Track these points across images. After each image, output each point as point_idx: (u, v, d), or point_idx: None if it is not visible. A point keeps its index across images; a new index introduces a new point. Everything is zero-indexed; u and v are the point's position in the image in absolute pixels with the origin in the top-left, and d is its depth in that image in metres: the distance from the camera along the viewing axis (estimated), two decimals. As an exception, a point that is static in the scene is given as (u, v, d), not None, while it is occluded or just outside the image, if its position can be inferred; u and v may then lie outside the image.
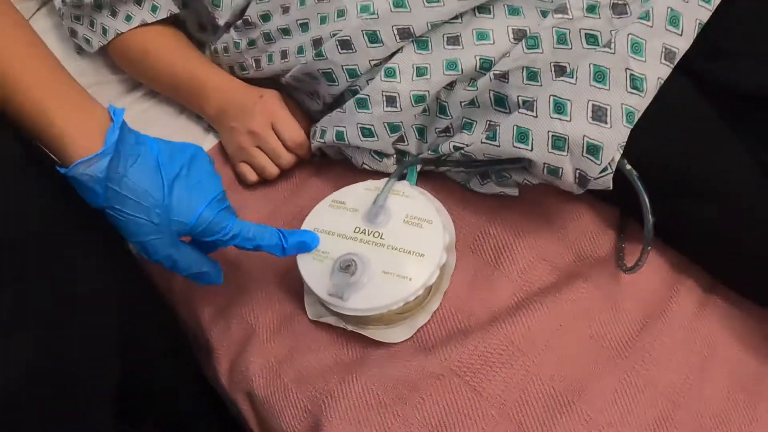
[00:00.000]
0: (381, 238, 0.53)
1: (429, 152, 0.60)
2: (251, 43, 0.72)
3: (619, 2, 0.51)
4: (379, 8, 0.57)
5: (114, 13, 0.78)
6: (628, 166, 0.49)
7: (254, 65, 0.73)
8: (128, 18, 0.78)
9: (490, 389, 0.49)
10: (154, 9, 0.77)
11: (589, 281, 0.52)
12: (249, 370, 0.56)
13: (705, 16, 0.51)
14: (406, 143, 0.61)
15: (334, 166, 0.67)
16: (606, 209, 0.57)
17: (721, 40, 0.53)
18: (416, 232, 0.52)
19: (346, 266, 0.50)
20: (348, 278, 0.50)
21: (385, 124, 0.58)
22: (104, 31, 0.79)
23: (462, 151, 0.55)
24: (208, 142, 0.77)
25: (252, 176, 0.70)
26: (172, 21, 0.80)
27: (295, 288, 0.59)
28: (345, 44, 0.59)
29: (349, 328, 0.54)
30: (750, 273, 0.52)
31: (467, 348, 0.50)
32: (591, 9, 0.51)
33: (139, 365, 0.58)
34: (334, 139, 0.62)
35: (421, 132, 0.60)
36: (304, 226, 0.56)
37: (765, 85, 0.51)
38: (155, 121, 0.82)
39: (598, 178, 0.49)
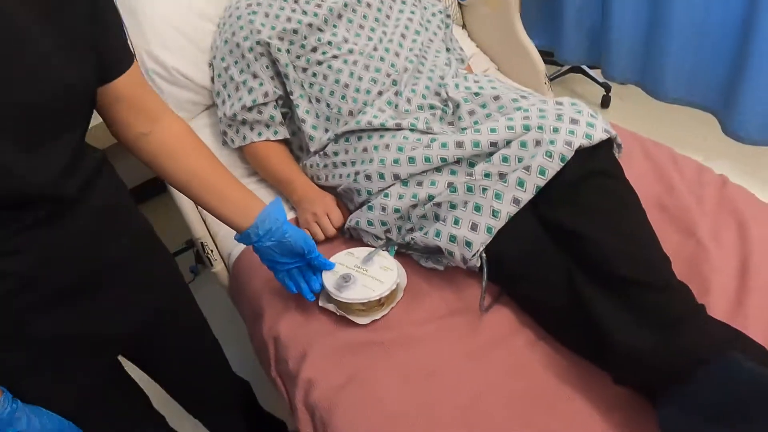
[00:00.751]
0: (366, 271, 1.06)
1: (401, 240, 1.14)
2: (325, 166, 1.30)
3: (503, 172, 1.07)
4: (387, 162, 1.14)
5: (251, 129, 1.39)
6: (483, 254, 1.02)
7: (324, 179, 1.30)
8: (259, 134, 1.38)
9: (391, 353, 0.99)
10: (275, 133, 1.38)
11: (465, 318, 1.03)
12: (279, 325, 1.07)
13: (541, 182, 1.05)
14: (391, 233, 1.15)
15: (355, 242, 1.21)
16: (478, 280, 1.07)
17: (553, 197, 1.05)
18: (383, 272, 1.06)
19: (345, 277, 1.03)
20: (344, 283, 1.02)
21: (379, 221, 1.14)
22: (243, 138, 1.39)
23: (414, 240, 1.09)
24: (290, 216, 1.33)
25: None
26: (283, 141, 1.39)
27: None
28: (368, 177, 1.16)
29: (339, 312, 1.05)
30: (557, 327, 1.00)
31: (389, 334, 1.02)
32: (487, 175, 1.08)
33: None
34: (355, 224, 1.17)
35: (399, 229, 1.15)
36: (332, 259, 1.09)
37: (573, 224, 1.01)
38: (260, 196, 1.39)
39: (470, 260, 1.02)
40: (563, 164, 1.05)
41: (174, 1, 1.47)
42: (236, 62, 1.39)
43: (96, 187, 0.80)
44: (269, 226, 0.95)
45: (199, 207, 1.41)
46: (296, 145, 1.42)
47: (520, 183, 1.05)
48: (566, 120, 1.10)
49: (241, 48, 1.37)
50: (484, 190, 1.06)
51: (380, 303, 1.05)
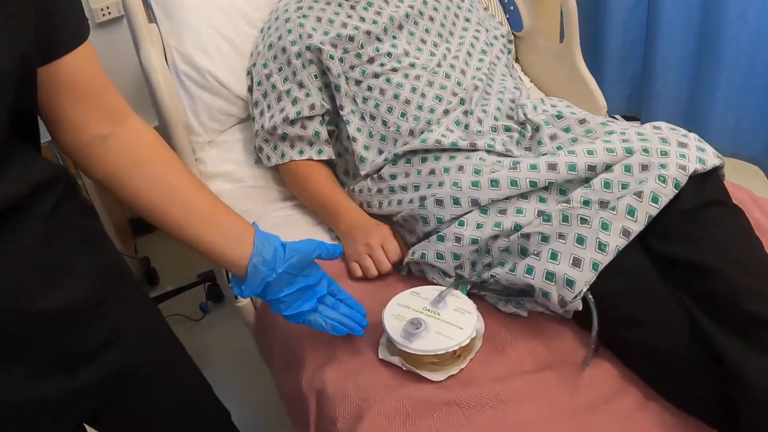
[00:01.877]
0: (438, 315, 0.83)
1: (475, 277, 0.91)
2: (379, 191, 1.08)
3: (605, 200, 0.86)
4: (463, 185, 0.92)
5: (292, 146, 1.18)
6: (590, 296, 0.79)
7: (377, 205, 1.08)
8: (301, 152, 1.17)
9: (476, 419, 0.75)
10: (319, 152, 1.17)
11: (558, 371, 0.80)
12: (325, 375, 0.84)
13: (654, 211, 0.85)
14: (463, 270, 0.93)
15: (414, 280, 0.98)
16: (580, 333, 0.85)
17: (664, 229, 0.85)
18: (460, 316, 0.83)
19: (415, 323, 0.80)
20: (414, 330, 0.79)
21: (452, 253, 0.92)
22: (282, 155, 1.18)
23: (495, 278, 0.87)
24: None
25: (358, 272, 1.02)
26: (327, 162, 1.18)
27: (373, 337, 0.87)
28: (439, 202, 0.94)
29: (405, 367, 0.81)
30: (674, 384, 0.77)
31: (470, 391, 0.78)
32: (586, 203, 0.87)
33: None
34: (419, 258, 0.94)
35: (474, 265, 0.93)
36: (391, 303, 0.86)
37: (693, 257, 0.81)
38: (297, 223, 1.17)
39: (572, 302, 0.80)
40: (677, 191, 0.86)
41: (214, 1, 1.29)
42: (280, 69, 1.19)
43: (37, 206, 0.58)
44: (274, 244, 0.73)
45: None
46: (341, 169, 1.22)
47: (630, 212, 0.85)
48: (673, 143, 0.92)
49: (287, 53, 1.18)
50: (583, 220, 0.85)
51: (456, 355, 0.81)
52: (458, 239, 0.92)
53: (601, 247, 0.82)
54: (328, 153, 1.18)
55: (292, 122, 1.17)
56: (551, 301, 0.82)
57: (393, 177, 1.08)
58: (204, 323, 1.87)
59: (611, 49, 2.22)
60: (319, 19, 1.19)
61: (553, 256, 0.84)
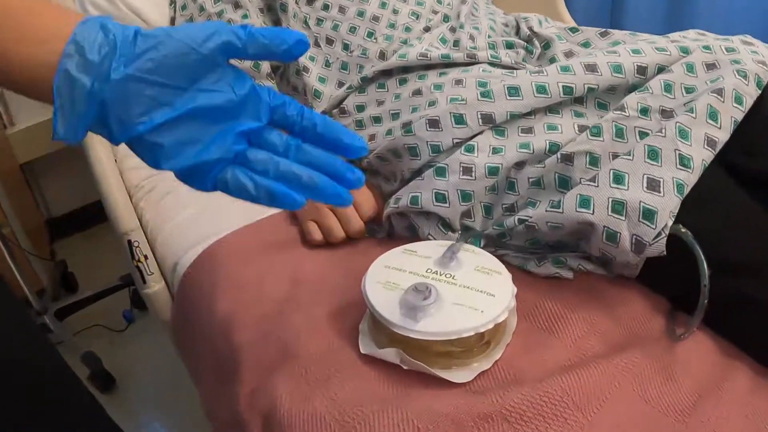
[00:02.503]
0: (453, 278, 0.51)
1: (493, 227, 0.59)
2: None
3: (667, 108, 0.56)
4: (468, 97, 0.61)
5: None
6: (684, 229, 0.49)
7: None
8: None
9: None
10: None
11: (642, 352, 0.49)
12: (276, 389, 0.49)
13: (739, 115, 0.57)
14: (472, 219, 0.61)
15: (399, 241, 0.66)
16: (655, 298, 0.55)
17: (752, 139, 0.58)
18: (486, 278, 0.51)
19: (422, 289, 0.47)
20: (421, 300, 0.46)
21: (458, 191, 0.60)
22: None
23: (526, 223, 0.55)
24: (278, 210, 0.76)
25: (318, 235, 0.68)
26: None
27: (347, 324, 0.54)
28: (433, 123, 0.63)
29: (407, 365, 0.49)
30: None
31: (520, 394, 0.45)
32: (644, 111, 0.57)
33: None
34: (409, 203, 0.62)
35: (488, 210, 0.61)
36: (374, 266, 0.53)
37: None
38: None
39: (652, 244, 0.50)
40: (760, 91, 0.59)
41: None
42: (209, -15, 0.85)
43: None
44: (110, 32, 0.33)
45: (137, 196, 0.83)
46: None
47: (712, 114, 0.56)
48: (736, 41, 0.65)
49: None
50: (642, 133, 0.55)
51: (485, 340, 0.49)
52: (467, 170, 0.60)
53: (684, 161, 0.53)
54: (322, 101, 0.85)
55: (224, 50, 0.83)
56: (620, 246, 0.51)
57: (360, 108, 0.76)
58: (128, 334, 1.48)
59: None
60: None
61: (618, 178, 0.53)
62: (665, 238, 0.50)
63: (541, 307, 0.55)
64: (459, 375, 0.48)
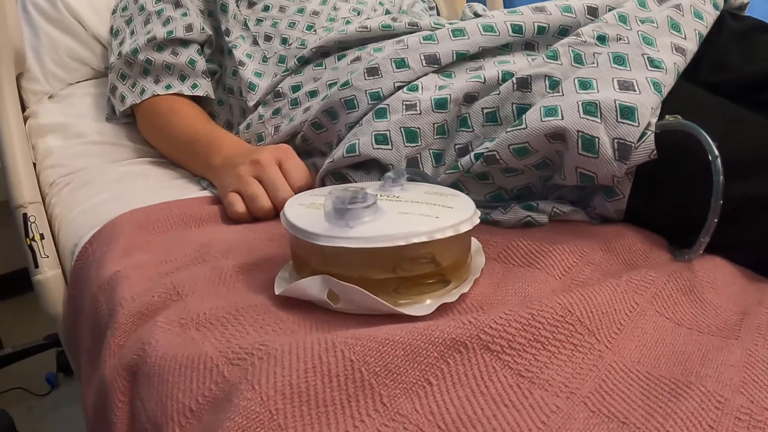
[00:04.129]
0: (398, 198, 0.34)
1: (446, 173, 0.44)
2: (276, 111, 0.62)
3: (622, 36, 0.45)
4: (409, 41, 0.49)
5: (157, 81, 0.70)
6: (680, 118, 0.36)
7: (273, 132, 0.61)
8: (168, 87, 0.69)
9: (545, 375, 0.25)
10: (194, 87, 0.70)
11: (656, 271, 0.33)
12: (149, 334, 0.30)
13: (702, 28, 0.47)
14: (421, 168, 0.46)
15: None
16: (648, 234, 0.40)
17: (722, 57, 0.49)
18: (439, 198, 0.35)
19: (357, 194, 0.31)
20: (352, 205, 0.30)
21: (402, 130, 0.46)
22: (142, 92, 0.70)
23: (486, 155, 0.41)
24: (202, 194, 0.59)
25: (239, 206, 0.51)
26: (202, 103, 0.71)
27: (262, 274, 0.37)
28: (372, 71, 0.50)
29: (336, 304, 0.31)
30: None
31: (504, 314, 0.28)
32: (601, 39, 0.46)
33: None
34: (344, 153, 0.47)
35: (438, 157, 0.47)
36: (296, 196, 0.38)
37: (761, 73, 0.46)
38: (150, 175, 0.66)
39: (638, 145, 0.36)
40: (718, 12, 0.50)
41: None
42: (151, -12, 0.74)
43: None
44: None
45: (51, 192, 0.65)
46: (223, 120, 0.74)
47: (674, 26, 0.46)
48: None
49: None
50: (599, 57, 0.43)
51: (440, 271, 0.32)
52: (411, 106, 0.46)
53: (655, 63, 0.41)
54: (206, 88, 0.71)
55: (160, 46, 0.70)
56: (601, 155, 0.37)
57: (296, 89, 0.62)
58: (51, 400, 1.19)
59: None
60: None
61: (584, 84, 0.40)
62: (653, 135, 0.37)
63: (515, 246, 0.38)
64: (411, 308, 0.30)
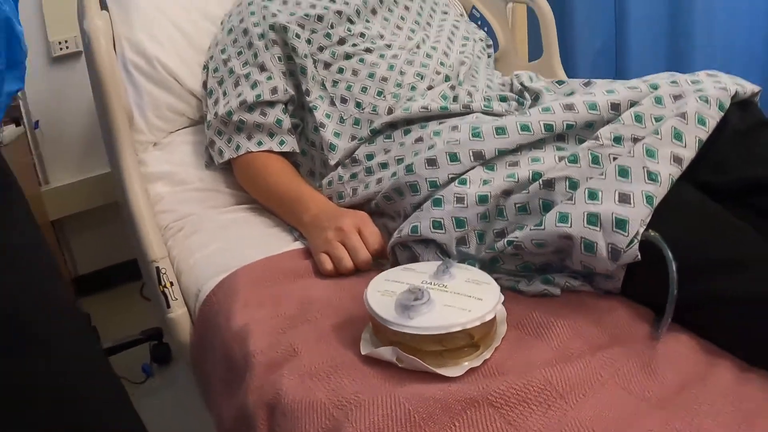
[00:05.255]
0: (445, 288, 0.57)
1: (486, 251, 0.66)
2: (353, 176, 0.84)
3: (638, 136, 0.64)
4: (461, 138, 0.69)
5: (249, 138, 0.94)
6: (653, 233, 0.55)
7: (351, 193, 0.84)
8: (259, 143, 0.93)
9: (526, 425, 0.47)
10: (281, 143, 0.93)
11: (624, 350, 0.54)
12: (280, 382, 0.54)
13: (702, 134, 0.64)
14: (467, 246, 0.68)
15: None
16: (639, 308, 0.59)
17: (715, 157, 0.66)
18: (476, 287, 0.57)
19: (415, 292, 0.53)
20: (413, 301, 0.53)
21: (453, 219, 0.67)
22: (237, 148, 0.94)
23: (514, 243, 0.62)
24: (296, 246, 0.84)
25: (328, 265, 0.75)
26: (290, 158, 0.95)
27: (351, 333, 0.60)
28: (431, 162, 0.71)
29: (402, 362, 0.54)
30: None
31: (506, 382, 0.50)
32: (617, 140, 0.65)
33: None
34: (409, 232, 0.69)
35: (481, 236, 0.68)
36: (375, 279, 0.60)
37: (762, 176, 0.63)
38: (252, 224, 0.91)
39: (626, 250, 0.55)
40: (722, 113, 0.67)
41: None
42: (240, 53, 0.99)
43: None
44: None
45: (165, 236, 0.91)
46: (306, 169, 0.98)
47: (677, 135, 0.64)
48: (702, 75, 0.74)
49: (249, 34, 0.98)
50: (616, 159, 0.62)
51: (473, 342, 0.54)
52: (461, 199, 0.68)
53: (652, 176, 0.59)
54: (291, 144, 0.95)
55: (251, 108, 0.94)
56: (598, 255, 0.57)
57: (370, 157, 0.85)
58: (146, 387, 1.51)
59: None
60: (285, 2, 1.01)
61: (592, 195, 0.60)
62: (638, 244, 0.56)
63: (529, 317, 0.60)
64: (450, 370, 0.52)
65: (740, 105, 0.71)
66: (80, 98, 1.60)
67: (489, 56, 1.22)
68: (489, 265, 0.66)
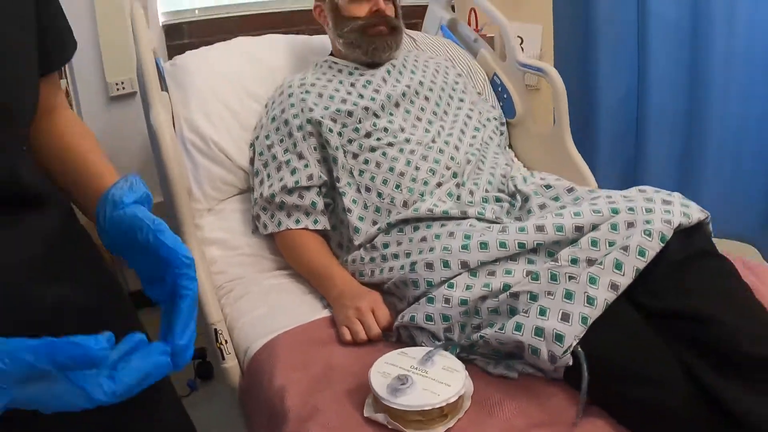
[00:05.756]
0: (426, 373, 0.84)
1: (465, 340, 0.93)
2: (372, 259, 1.12)
3: (592, 258, 0.89)
4: (453, 248, 0.96)
5: (289, 215, 1.23)
6: (580, 349, 0.81)
7: (369, 274, 1.12)
8: (297, 221, 1.22)
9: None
10: (315, 222, 1.22)
11: (555, 428, 0.80)
12: (309, 430, 0.83)
13: (641, 264, 0.88)
14: (452, 333, 0.95)
15: (403, 345, 0.99)
16: (575, 394, 0.85)
17: (653, 282, 0.89)
18: (448, 374, 0.84)
19: (402, 378, 0.81)
20: (399, 385, 0.80)
21: (441, 315, 0.94)
22: (279, 224, 1.23)
23: (484, 338, 0.89)
24: (324, 314, 1.13)
25: (348, 337, 1.03)
26: (322, 232, 1.23)
27: (360, 397, 0.88)
28: (429, 265, 0.98)
29: (391, 425, 0.82)
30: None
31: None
32: (573, 261, 0.90)
33: None
34: (409, 320, 0.97)
35: (463, 327, 0.95)
36: (378, 361, 0.87)
37: (685, 306, 0.85)
38: (290, 291, 1.20)
39: (562, 357, 0.81)
40: (663, 244, 0.90)
41: (223, 75, 1.42)
42: (282, 140, 1.27)
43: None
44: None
45: (219, 294, 1.21)
46: (335, 242, 1.26)
47: (618, 265, 0.88)
48: (658, 201, 0.97)
49: (289, 125, 1.26)
50: (572, 277, 0.89)
51: (443, 413, 0.81)
52: (447, 300, 0.94)
53: (590, 301, 0.85)
54: (324, 223, 1.23)
55: (290, 191, 1.23)
56: (541, 358, 0.83)
57: (386, 246, 1.12)
58: (190, 400, 1.83)
59: (604, 135, 2.34)
60: (320, 95, 1.29)
61: (542, 312, 0.86)
62: (570, 355, 0.82)
63: (489, 396, 0.86)
64: (424, 436, 0.80)
65: (686, 232, 0.94)
66: (135, 134, 1.92)
67: (501, 134, 1.48)
68: (468, 348, 0.93)
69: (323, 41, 1.58)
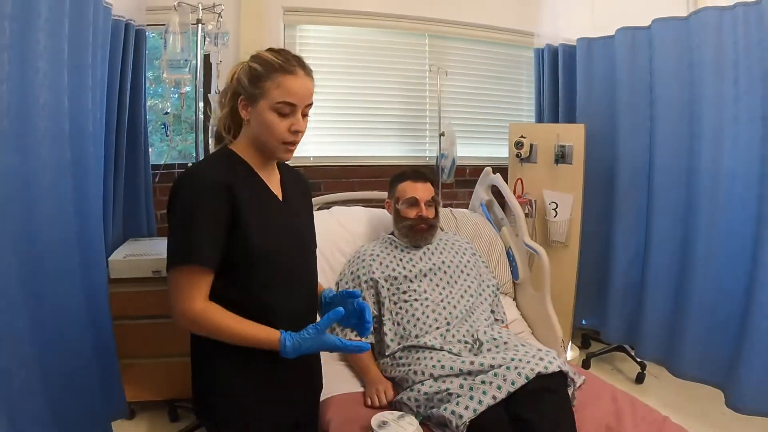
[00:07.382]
0: (399, 424, 2.21)
1: (426, 412, 2.28)
2: (391, 364, 2.51)
3: (488, 381, 2.22)
4: (429, 366, 2.35)
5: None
6: (467, 423, 2.14)
7: (389, 372, 2.49)
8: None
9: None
10: (367, 337, 2.64)
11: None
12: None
13: (511, 389, 2.12)
14: (420, 408, 2.29)
15: (394, 410, 2.33)
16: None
17: (518, 400, 2.16)
18: (410, 425, 2.20)
19: (384, 423, 2.18)
20: (383, 425, 2.17)
21: (414, 398, 2.27)
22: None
23: (431, 413, 2.23)
24: (360, 389, 2.50)
25: (368, 402, 2.37)
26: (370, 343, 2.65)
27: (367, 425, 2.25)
28: (415, 373, 2.35)
29: (379, 446, 2.18)
30: None
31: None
32: (483, 382, 2.23)
33: None
34: (400, 399, 2.32)
35: (425, 406, 2.28)
36: (377, 415, 2.25)
37: (527, 416, 2.13)
38: (344, 374, 2.61)
39: (459, 426, 2.12)
40: (527, 381, 2.15)
41: (321, 234, 2.86)
42: (354, 288, 2.71)
43: None
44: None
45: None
46: (377, 349, 2.65)
47: (499, 387, 2.15)
48: (536, 358, 2.23)
49: (359, 279, 2.69)
50: (475, 388, 2.19)
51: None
52: (419, 391, 2.24)
53: (480, 402, 2.09)
54: (371, 339, 2.63)
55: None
56: (452, 426, 2.12)
57: (400, 358, 2.48)
58: None
59: (614, 290, 3.61)
60: (381, 263, 2.71)
61: (458, 403, 2.12)
62: (464, 427, 2.14)
63: (429, 442, 2.20)
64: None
65: (545, 376, 2.18)
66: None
67: (495, 295, 2.84)
68: (424, 417, 2.25)
69: (390, 217, 3.02)
